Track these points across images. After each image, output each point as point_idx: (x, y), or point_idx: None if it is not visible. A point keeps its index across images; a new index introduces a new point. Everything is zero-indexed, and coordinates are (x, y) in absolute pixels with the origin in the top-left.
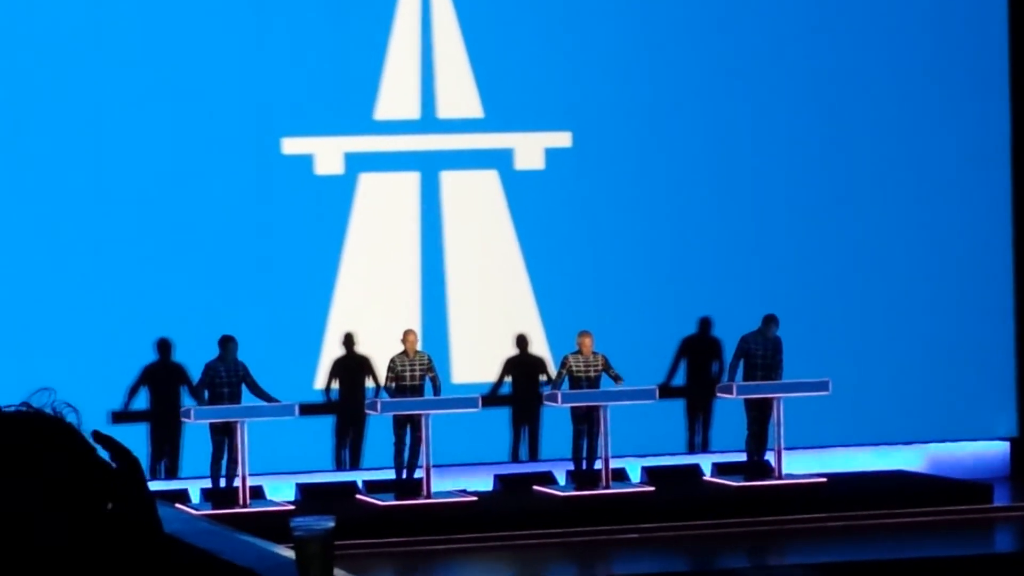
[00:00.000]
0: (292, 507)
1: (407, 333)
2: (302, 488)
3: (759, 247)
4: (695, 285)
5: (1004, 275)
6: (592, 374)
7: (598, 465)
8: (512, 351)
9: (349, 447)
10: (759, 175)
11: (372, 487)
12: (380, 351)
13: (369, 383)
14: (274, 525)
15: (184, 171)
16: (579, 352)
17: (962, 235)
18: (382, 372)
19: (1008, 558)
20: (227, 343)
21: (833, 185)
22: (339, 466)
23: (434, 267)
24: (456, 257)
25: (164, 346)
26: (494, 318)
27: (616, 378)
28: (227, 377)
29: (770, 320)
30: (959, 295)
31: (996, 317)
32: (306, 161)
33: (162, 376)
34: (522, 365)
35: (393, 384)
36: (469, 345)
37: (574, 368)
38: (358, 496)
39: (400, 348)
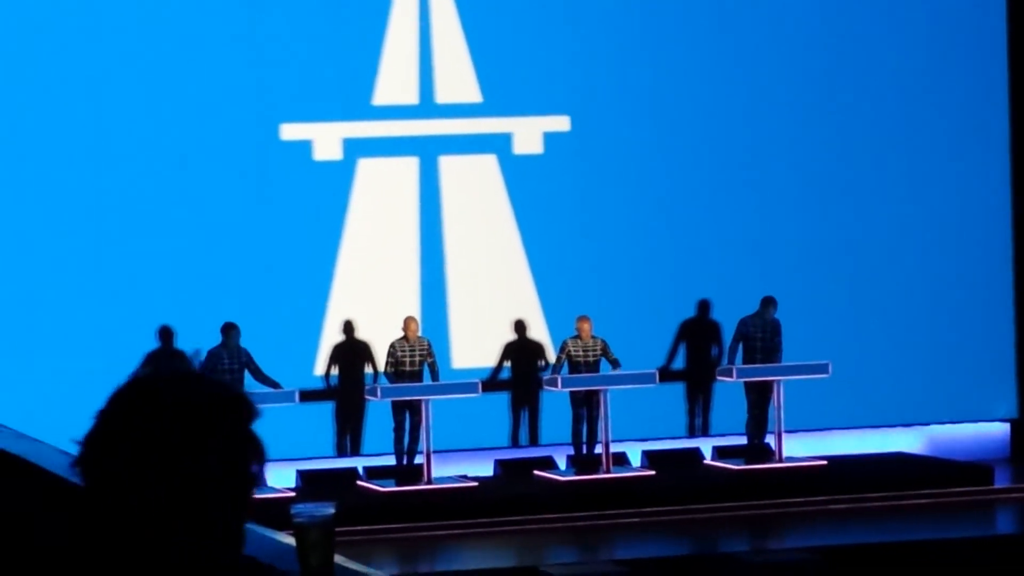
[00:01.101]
0: (293, 494)
1: (408, 320)
2: (303, 475)
3: (757, 230)
4: (694, 268)
5: (1003, 257)
6: (591, 358)
7: (598, 449)
8: (511, 336)
9: (350, 433)
10: (758, 158)
11: (373, 473)
12: (380, 336)
13: (368, 369)
14: (274, 512)
15: (183, 158)
16: (578, 337)
17: (961, 217)
18: (382, 358)
19: (1009, 539)
20: (230, 330)
21: (832, 168)
22: (340, 452)
23: (433, 252)
24: (455, 242)
25: (166, 333)
26: (493, 303)
27: (614, 363)
28: (230, 364)
29: (768, 302)
30: (959, 277)
31: (996, 299)
32: (305, 147)
33: (164, 363)
34: (521, 350)
35: (392, 369)
36: (468, 330)
37: (573, 353)
38: (359, 482)
39: (400, 334)
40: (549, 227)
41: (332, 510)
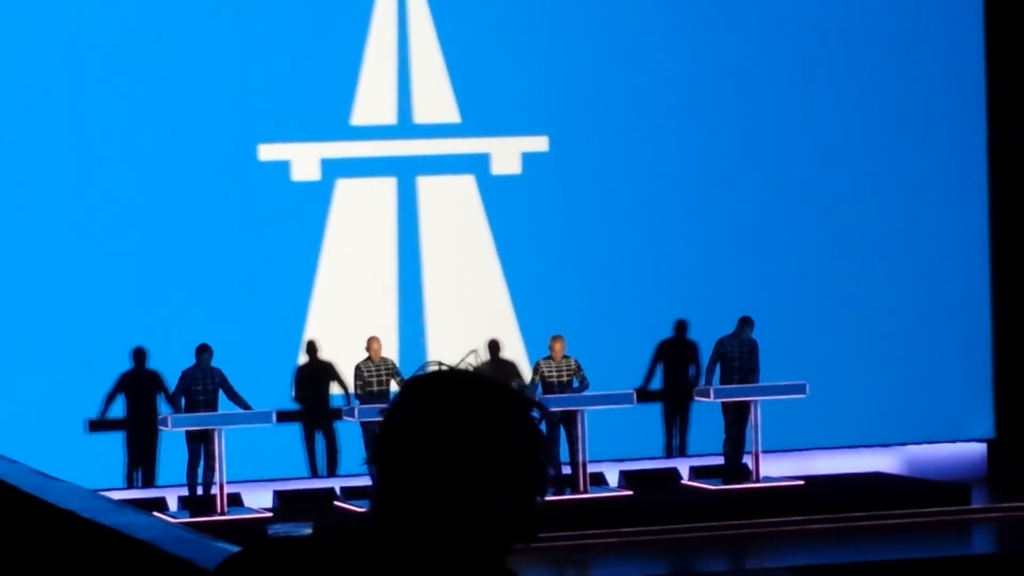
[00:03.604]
0: (270, 514)
1: (371, 340)
2: (279, 495)
3: (735, 250)
4: (671, 288)
5: (981, 277)
6: (564, 378)
7: (571, 470)
8: (484, 356)
9: (325, 452)
10: (735, 178)
11: (350, 493)
12: (357, 357)
13: (335, 389)
14: (252, 532)
15: (161, 178)
16: (550, 357)
17: (939, 238)
18: (348, 378)
19: (986, 559)
20: (203, 352)
21: (810, 188)
22: (313, 472)
23: (411, 272)
24: (433, 262)
25: (140, 354)
26: (472, 323)
27: (582, 380)
28: (203, 384)
29: (745, 322)
30: (936, 297)
31: (973, 319)
32: (283, 167)
33: (138, 384)
34: (494, 370)
35: (361, 391)
36: (447, 350)
37: (546, 373)
38: (336, 503)
39: (365, 355)
40: (527, 247)
41: (309, 530)
